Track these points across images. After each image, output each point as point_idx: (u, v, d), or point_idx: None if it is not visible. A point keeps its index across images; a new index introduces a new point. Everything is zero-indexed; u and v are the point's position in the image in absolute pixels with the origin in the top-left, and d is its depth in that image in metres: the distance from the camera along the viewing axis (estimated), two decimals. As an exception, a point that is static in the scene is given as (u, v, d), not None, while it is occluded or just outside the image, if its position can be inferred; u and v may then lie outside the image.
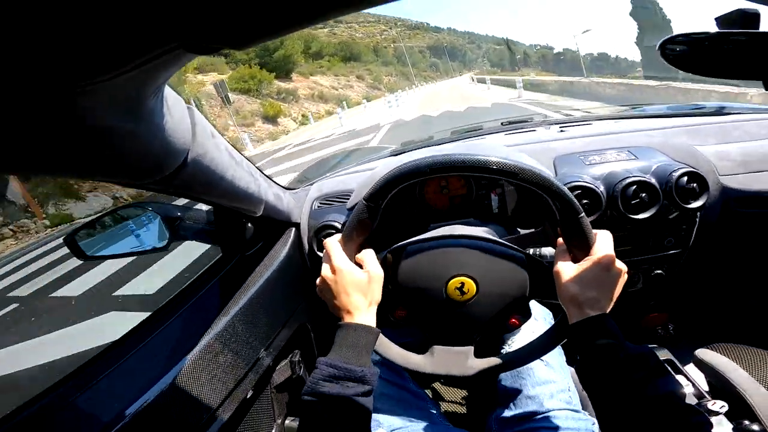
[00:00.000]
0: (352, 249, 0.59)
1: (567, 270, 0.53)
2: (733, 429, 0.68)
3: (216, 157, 0.51)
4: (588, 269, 0.52)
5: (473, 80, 40.61)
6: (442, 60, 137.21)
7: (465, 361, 0.60)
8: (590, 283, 0.51)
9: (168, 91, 0.38)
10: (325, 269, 0.58)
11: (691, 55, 0.62)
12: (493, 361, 0.61)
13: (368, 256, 0.59)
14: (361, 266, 0.58)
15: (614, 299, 0.52)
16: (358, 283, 0.56)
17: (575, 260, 0.55)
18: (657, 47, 0.62)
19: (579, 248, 0.54)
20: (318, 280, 0.59)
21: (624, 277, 0.53)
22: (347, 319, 0.56)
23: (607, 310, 0.51)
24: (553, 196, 0.53)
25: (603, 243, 0.54)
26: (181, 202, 0.87)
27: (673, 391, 0.44)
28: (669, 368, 0.48)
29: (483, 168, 0.53)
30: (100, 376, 0.57)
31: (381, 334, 0.60)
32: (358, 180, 1.00)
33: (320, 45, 52.48)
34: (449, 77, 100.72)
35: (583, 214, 0.53)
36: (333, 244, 0.59)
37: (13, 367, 2.83)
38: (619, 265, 0.53)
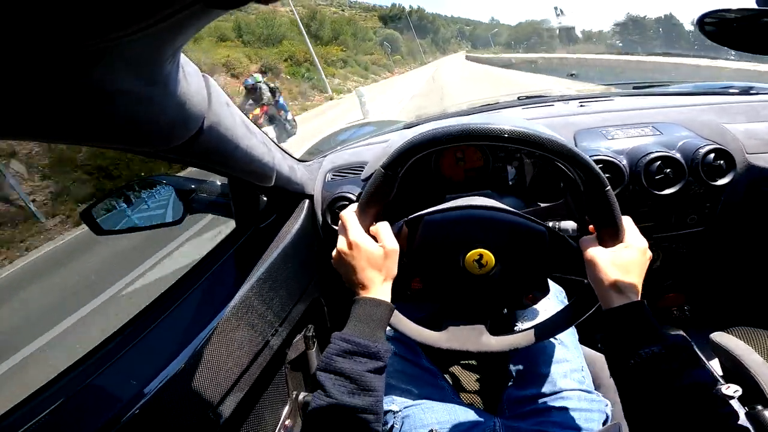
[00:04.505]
0: (368, 220, 0.57)
1: (603, 255, 0.53)
2: (745, 414, 0.68)
3: (231, 127, 0.50)
4: (625, 254, 0.53)
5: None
6: (404, 36, 69.77)
7: (479, 337, 0.60)
8: (629, 268, 0.52)
9: (183, 58, 0.37)
10: (341, 243, 0.57)
11: (731, 30, 0.59)
12: (508, 338, 0.60)
13: (384, 229, 0.58)
14: (376, 239, 0.57)
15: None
16: (373, 258, 0.55)
17: (600, 238, 0.54)
18: (696, 22, 0.59)
19: (604, 224, 0.53)
20: (333, 253, 0.58)
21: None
22: (362, 293, 0.55)
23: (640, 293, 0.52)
24: (579, 168, 0.51)
25: (632, 228, 0.55)
26: (195, 175, 0.86)
27: (704, 382, 0.43)
28: (701, 356, 0.48)
29: (506, 138, 0.51)
30: (117, 355, 0.57)
31: (396, 310, 0.59)
32: (373, 151, 0.98)
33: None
34: (416, 65, 53.44)
35: (609, 187, 0.51)
36: (349, 216, 0.58)
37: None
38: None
